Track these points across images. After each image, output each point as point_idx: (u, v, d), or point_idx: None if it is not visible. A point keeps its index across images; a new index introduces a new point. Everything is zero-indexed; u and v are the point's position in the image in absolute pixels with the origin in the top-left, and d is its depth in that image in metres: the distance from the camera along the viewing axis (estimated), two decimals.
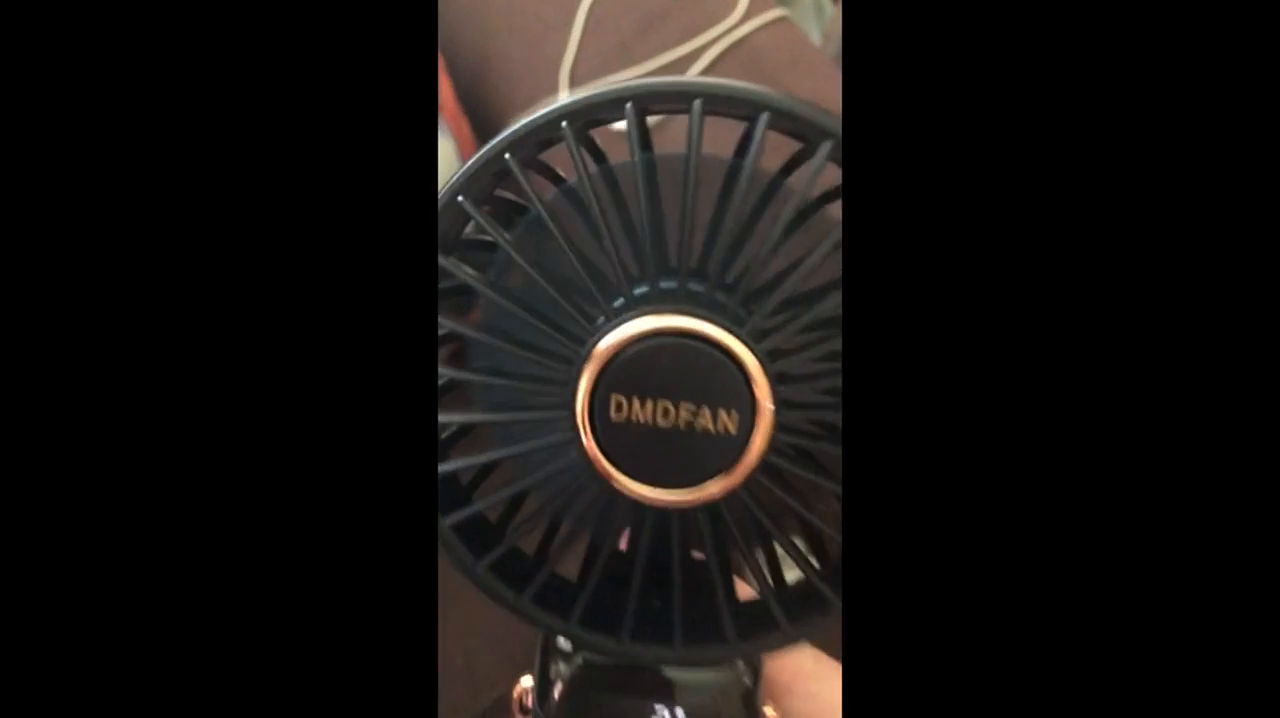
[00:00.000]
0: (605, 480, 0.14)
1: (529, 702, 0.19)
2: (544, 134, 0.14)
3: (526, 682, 0.19)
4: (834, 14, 0.91)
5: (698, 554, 0.16)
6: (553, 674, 0.18)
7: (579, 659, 0.17)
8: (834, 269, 0.14)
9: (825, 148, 0.14)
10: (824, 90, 0.62)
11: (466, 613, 0.61)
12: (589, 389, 0.14)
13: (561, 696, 0.17)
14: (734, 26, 0.65)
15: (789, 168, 0.15)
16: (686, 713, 0.17)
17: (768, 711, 0.18)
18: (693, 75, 0.64)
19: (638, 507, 0.15)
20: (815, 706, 0.19)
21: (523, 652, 0.59)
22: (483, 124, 0.73)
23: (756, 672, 0.18)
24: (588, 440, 0.14)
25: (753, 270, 0.14)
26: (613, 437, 0.14)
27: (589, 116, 0.14)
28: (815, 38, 0.98)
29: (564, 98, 0.14)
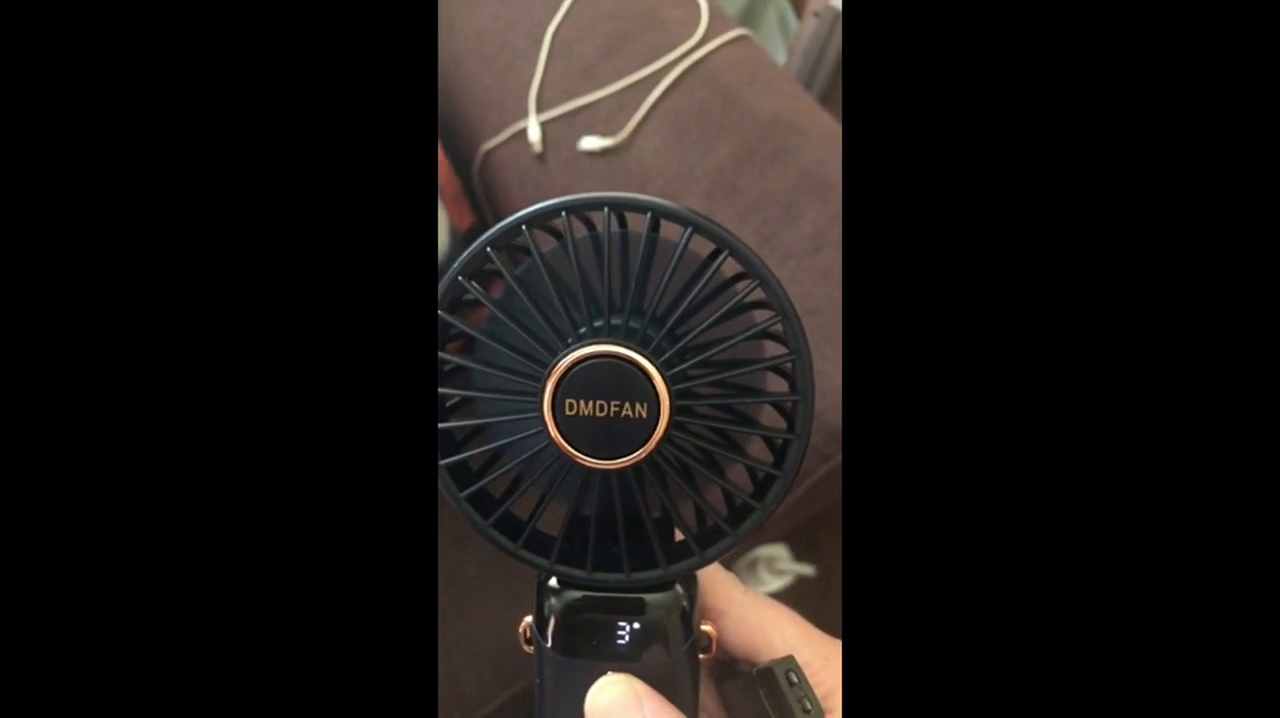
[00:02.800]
0: (565, 457, 0.23)
1: (529, 633, 0.27)
2: (510, 235, 0.23)
3: (528, 619, 0.27)
4: (798, 30, 0.99)
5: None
6: (546, 610, 0.26)
7: (565, 596, 0.26)
8: (711, 311, 0.23)
9: (687, 232, 0.22)
10: (784, 106, 0.70)
11: (455, 629, 0.68)
12: (551, 395, 0.23)
13: (552, 618, 0.26)
14: (695, 47, 0.73)
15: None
16: (641, 625, 0.25)
17: (705, 627, 0.27)
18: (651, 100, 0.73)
19: (589, 473, 0.23)
20: (743, 626, 0.28)
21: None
22: (458, 151, 0.81)
23: (692, 598, 0.26)
24: (552, 431, 0.23)
25: (653, 311, 0.23)
26: (568, 426, 0.23)
27: (541, 220, 0.23)
28: (780, 55, 1.06)
29: (521, 211, 0.23)
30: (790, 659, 0.26)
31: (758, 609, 0.28)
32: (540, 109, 0.74)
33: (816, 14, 0.95)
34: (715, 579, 0.28)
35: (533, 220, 0.23)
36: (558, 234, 0.25)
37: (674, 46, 0.73)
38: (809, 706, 0.25)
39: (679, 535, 0.26)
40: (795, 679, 0.25)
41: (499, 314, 0.23)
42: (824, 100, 0.98)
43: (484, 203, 0.82)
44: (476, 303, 0.24)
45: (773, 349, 0.24)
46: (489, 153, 0.77)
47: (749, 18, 1.11)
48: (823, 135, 0.68)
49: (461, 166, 0.81)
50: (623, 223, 0.24)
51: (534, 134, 0.73)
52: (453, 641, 0.69)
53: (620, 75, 0.72)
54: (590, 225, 0.26)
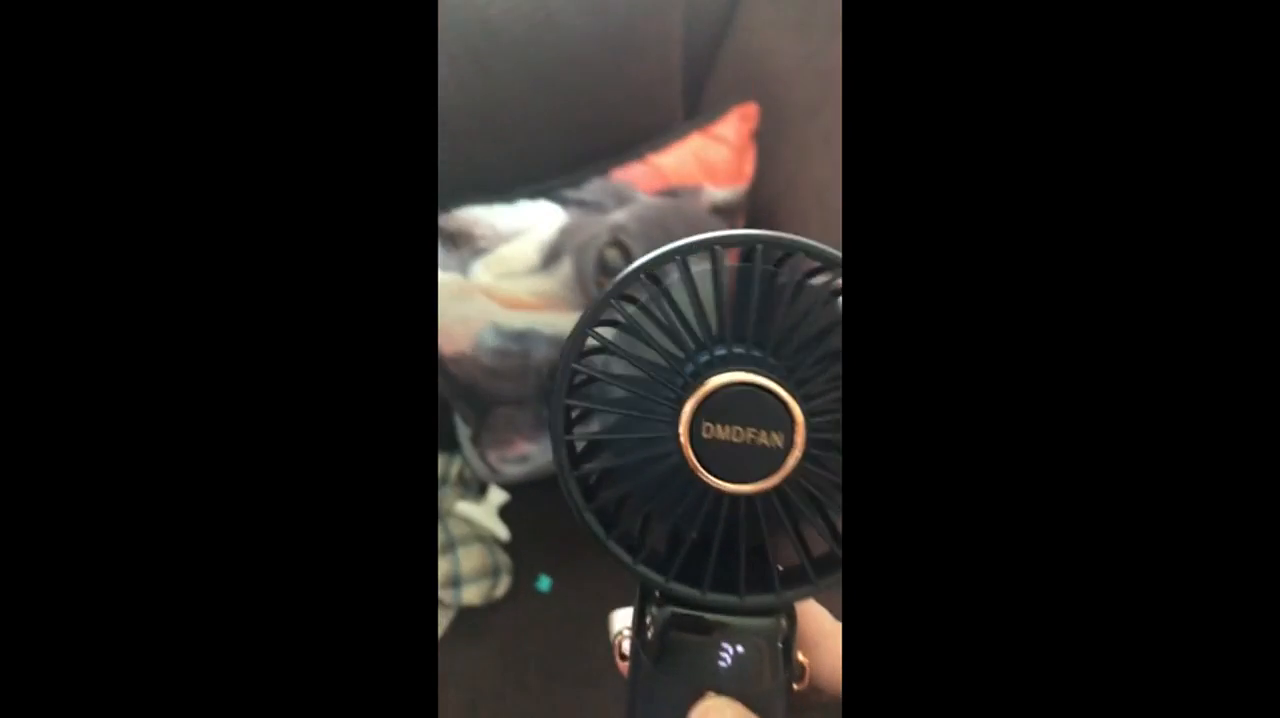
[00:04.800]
0: (698, 478, 0.25)
1: (624, 647, 0.28)
2: (629, 284, 0.25)
3: (621, 628, 0.28)
4: None
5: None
6: (650, 625, 0.27)
7: (669, 610, 0.27)
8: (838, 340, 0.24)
9: (833, 277, 0.24)
10: None
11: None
12: (690, 417, 0.24)
13: (654, 635, 0.27)
14: None
15: (811, 273, 0.26)
16: (745, 650, 0.26)
17: (800, 656, 0.28)
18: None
19: (718, 496, 0.25)
20: (834, 658, 0.29)
21: None
22: None
23: (792, 623, 0.28)
24: (688, 452, 0.25)
25: (788, 341, 0.25)
26: (703, 449, 0.25)
27: (690, 251, 0.25)
28: None
29: (671, 244, 0.25)
30: None
31: None
32: None
33: None
34: (808, 611, 0.30)
35: (683, 251, 0.25)
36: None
37: None
38: None
39: (784, 559, 0.28)
40: None
41: (622, 354, 0.25)
42: None
43: None
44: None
45: None
46: None
47: None
48: None
49: None
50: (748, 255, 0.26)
51: None
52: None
53: None
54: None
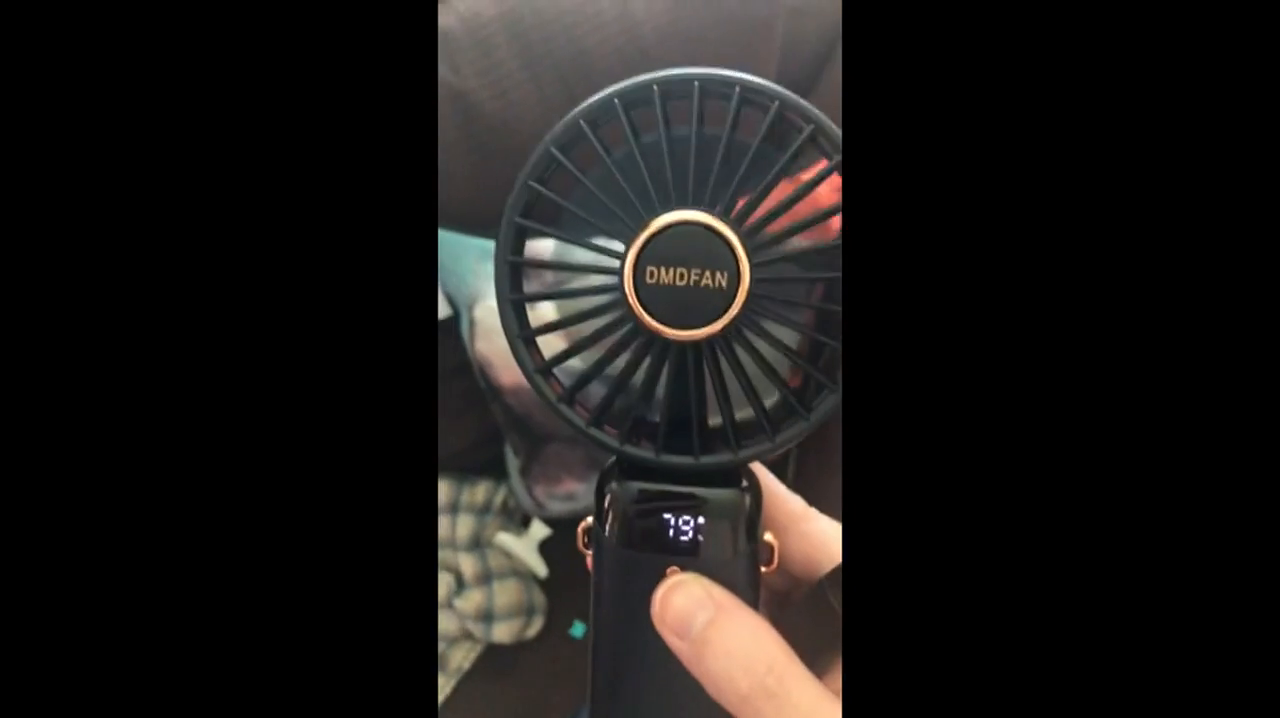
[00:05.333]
0: (644, 327, 0.25)
1: (587, 537, 0.28)
2: (599, 110, 0.25)
3: (587, 521, 0.28)
4: None
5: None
6: (609, 503, 0.27)
7: (628, 486, 0.27)
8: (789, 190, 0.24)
9: (774, 108, 0.24)
10: None
11: None
12: (634, 262, 0.24)
13: (615, 514, 0.27)
14: None
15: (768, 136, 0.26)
16: (705, 520, 0.26)
17: (767, 537, 0.27)
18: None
19: (666, 345, 0.25)
20: (805, 542, 0.28)
21: None
22: None
23: (757, 501, 0.27)
24: (632, 299, 0.25)
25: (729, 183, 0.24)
26: (649, 295, 0.24)
27: (631, 95, 0.25)
28: None
29: (611, 88, 0.25)
30: None
31: (819, 524, 0.29)
32: None
33: None
34: (777, 495, 0.29)
35: (623, 95, 0.25)
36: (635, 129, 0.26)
37: None
38: None
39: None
40: None
41: (589, 185, 0.25)
42: None
43: None
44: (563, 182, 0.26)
45: None
46: None
47: None
48: None
49: None
50: (701, 118, 0.26)
51: None
52: None
53: None
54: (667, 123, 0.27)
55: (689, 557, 0.26)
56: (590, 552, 0.28)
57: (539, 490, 0.82)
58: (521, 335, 0.26)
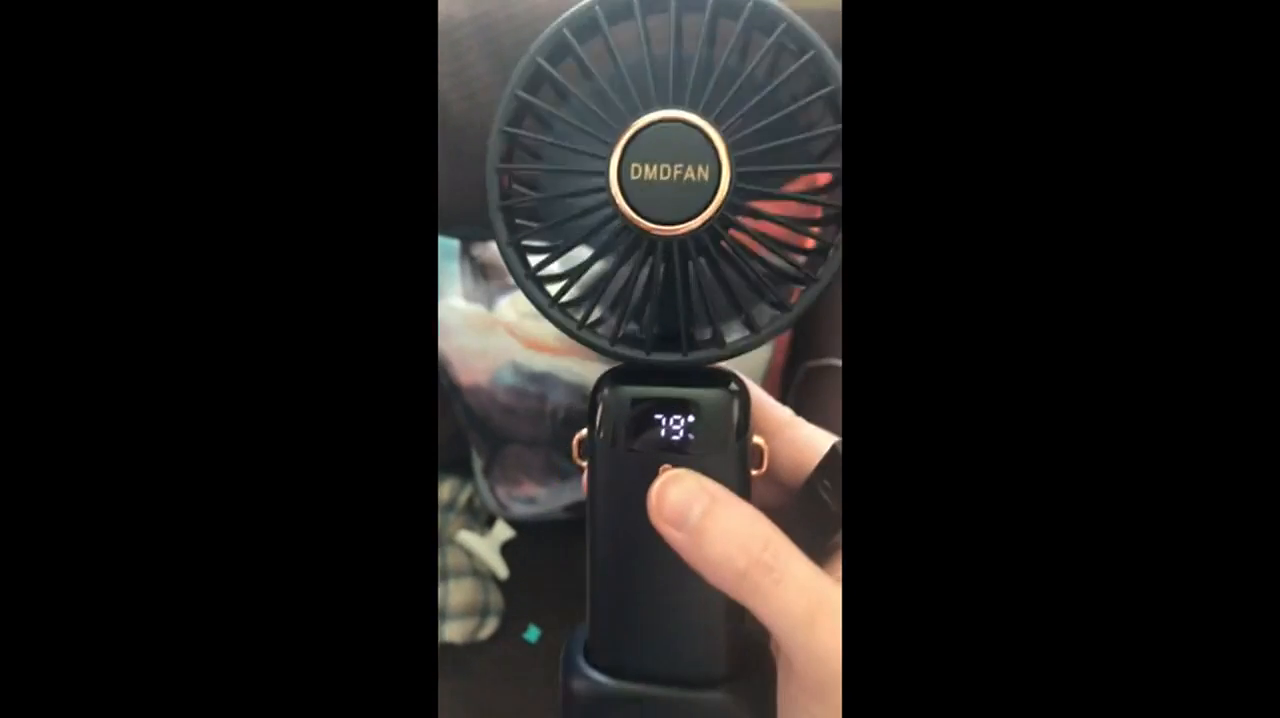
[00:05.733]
0: (630, 223, 0.25)
1: (581, 448, 0.29)
2: (582, 19, 0.26)
3: (582, 433, 0.29)
4: None
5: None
6: (602, 407, 0.28)
7: (619, 390, 0.28)
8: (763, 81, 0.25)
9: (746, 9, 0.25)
10: None
11: None
12: (618, 159, 0.25)
13: (607, 417, 0.27)
14: None
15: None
16: (695, 418, 0.27)
17: (756, 439, 0.28)
18: None
19: (652, 241, 0.26)
20: (793, 446, 0.29)
21: None
22: None
23: (745, 403, 0.28)
24: (618, 195, 0.26)
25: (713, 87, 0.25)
26: (634, 191, 0.25)
27: (612, 5, 0.26)
28: None
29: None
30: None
31: (805, 430, 0.30)
32: None
33: None
34: (765, 403, 0.30)
35: (605, 3, 0.26)
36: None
37: None
38: None
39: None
40: None
41: (574, 93, 0.26)
42: None
43: None
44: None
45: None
46: None
47: None
48: None
49: None
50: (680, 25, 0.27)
51: None
52: None
53: None
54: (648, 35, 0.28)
55: (681, 454, 0.27)
56: (585, 462, 0.29)
57: (500, 491, 0.82)
58: (510, 242, 0.27)
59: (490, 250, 0.83)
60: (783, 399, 0.33)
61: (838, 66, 0.25)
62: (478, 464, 0.84)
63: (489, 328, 0.82)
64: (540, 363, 0.82)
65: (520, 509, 0.82)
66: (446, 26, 0.74)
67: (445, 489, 0.82)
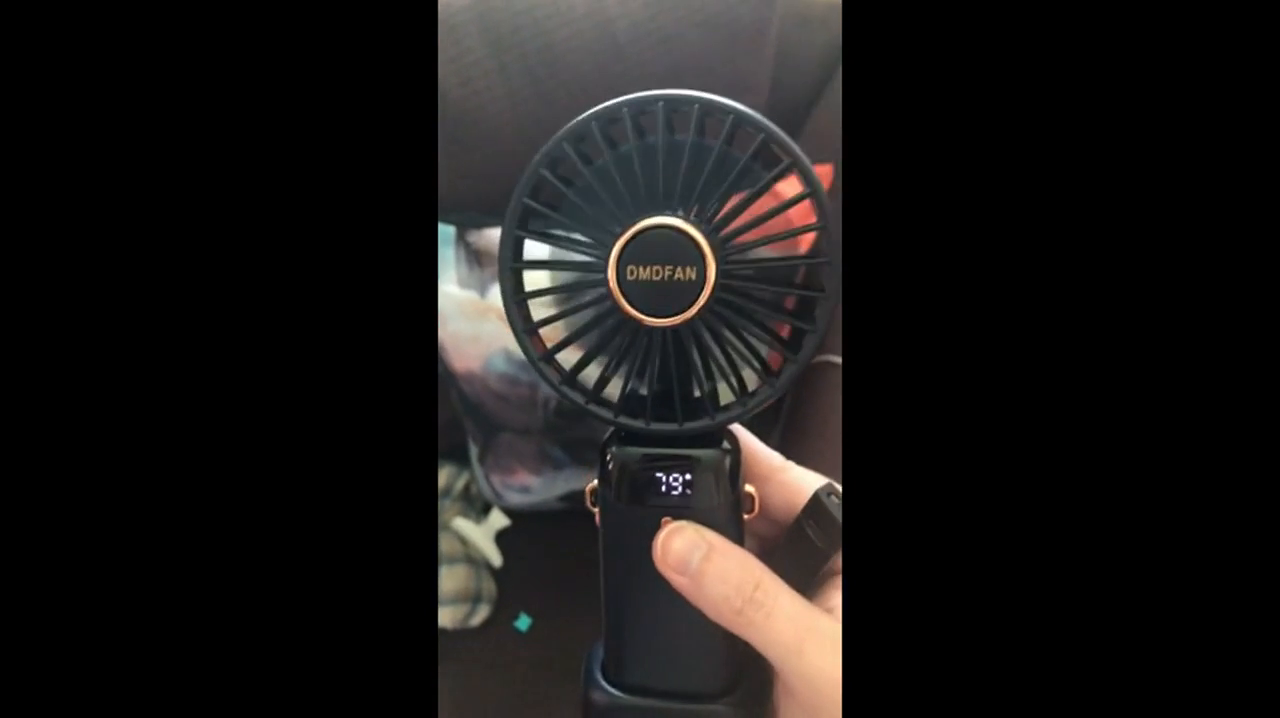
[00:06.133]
0: (627, 317, 0.28)
1: (594, 496, 0.32)
2: (580, 131, 0.28)
3: (594, 483, 0.32)
4: None
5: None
6: (611, 468, 0.31)
7: (626, 451, 0.31)
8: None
9: (729, 121, 0.27)
10: None
11: None
12: (616, 261, 0.27)
13: (616, 475, 0.31)
14: None
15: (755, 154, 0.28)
16: (692, 476, 0.30)
17: (748, 488, 0.31)
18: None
19: (648, 331, 0.28)
20: (784, 490, 0.33)
21: None
22: None
23: (736, 458, 0.31)
24: (616, 293, 0.27)
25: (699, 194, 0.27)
26: (630, 290, 0.27)
27: (606, 116, 0.28)
28: None
29: (589, 111, 0.28)
30: (829, 484, 0.32)
31: (795, 473, 0.33)
32: None
33: None
34: (757, 452, 0.34)
35: (599, 117, 0.28)
36: (613, 142, 0.29)
37: None
38: None
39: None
40: (839, 499, 0.31)
41: (574, 200, 0.28)
42: None
43: None
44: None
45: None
46: None
47: None
48: None
49: None
50: (671, 128, 0.29)
51: None
52: None
53: None
54: (641, 133, 0.30)
55: (681, 508, 0.30)
56: (597, 509, 0.32)
57: (495, 479, 0.84)
58: (525, 329, 0.30)
59: (485, 237, 0.84)
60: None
61: (814, 174, 0.28)
62: (473, 451, 0.86)
63: (482, 314, 0.83)
64: None
65: (515, 498, 0.84)
66: (445, 14, 0.73)
67: (442, 476, 0.84)
